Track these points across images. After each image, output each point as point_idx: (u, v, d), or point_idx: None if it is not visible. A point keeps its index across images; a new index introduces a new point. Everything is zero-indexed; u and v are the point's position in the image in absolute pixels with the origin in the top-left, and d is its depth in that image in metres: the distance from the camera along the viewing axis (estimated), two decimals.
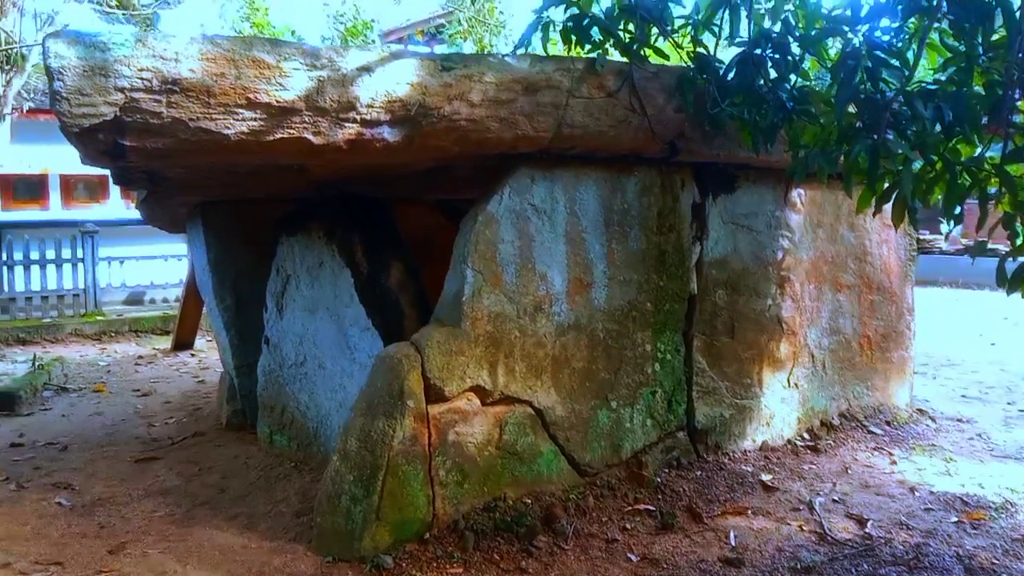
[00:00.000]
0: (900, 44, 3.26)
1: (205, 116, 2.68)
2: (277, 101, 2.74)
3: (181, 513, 3.62)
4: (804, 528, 3.38)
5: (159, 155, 2.80)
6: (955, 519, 3.47)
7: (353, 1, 15.14)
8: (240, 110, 2.72)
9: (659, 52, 3.52)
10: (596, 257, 3.71)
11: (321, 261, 3.84)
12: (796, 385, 4.46)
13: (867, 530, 3.35)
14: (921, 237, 14.94)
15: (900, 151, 3.05)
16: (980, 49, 3.26)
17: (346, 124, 2.89)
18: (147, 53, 2.56)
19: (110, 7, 12.74)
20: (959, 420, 5.12)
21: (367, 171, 3.67)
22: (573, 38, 3.34)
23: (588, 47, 3.44)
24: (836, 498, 3.71)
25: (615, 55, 3.57)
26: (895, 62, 3.16)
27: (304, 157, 2.98)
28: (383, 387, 3.15)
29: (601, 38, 3.39)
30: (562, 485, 3.55)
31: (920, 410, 5.17)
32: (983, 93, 3.27)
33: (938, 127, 3.20)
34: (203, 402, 5.74)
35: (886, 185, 3.36)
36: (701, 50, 3.55)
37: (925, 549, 3.16)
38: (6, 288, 9.03)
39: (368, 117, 2.90)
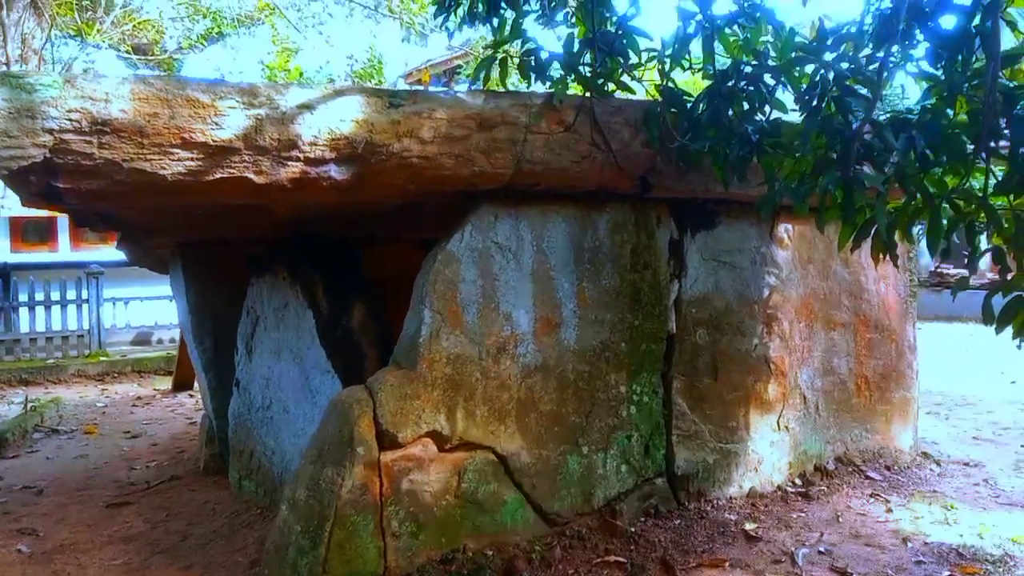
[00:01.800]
0: (872, 73, 3.14)
1: (139, 157, 2.62)
2: (213, 140, 2.68)
3: (139, 562, 3.52)
4: None
5: (97, 197, 2.74)
6: (947, 573, 3.25)
7: (372, 44, 15.36)
8: (175, 150, 2.66)
9: (624, 86, 3.41)
10: (565, 296, 3.58)
11: (286, 302, 3.76)
12: (786, 428, 4.27)
13: None
14: (944, 271, 14.65)
15: (870, 184, 2.90)
16: (962, 77, 3.13)
17: (289, 163, 2.82)
18: (75, 94, 2.51)
19: (127, 54, 13.03)
20: (966, 464, 4.87)
21: (330, 210, 3.60)
22: (532, 74, 3.25)
23: (548, 83, 3.35)
24: (822, 549, 3.51)
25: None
26: (865, 91, 3.03)
27: (248, 197, 2.91)
28: (333, 433, 3.04)
29: (562, 73, 3.30)
30: (528, 535, 3.39)
31: (925, 453, 4.93)
32: (967, 122, 3.13)
33: (913, 158, 3.07)
34: (189, 444, 5.66)
35: (867, 220, 3.24)
36: (669, 84, 3.44)
37: None
38: (11, 329, 9.10)
39: (312, 155, 2.83)
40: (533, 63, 3.22)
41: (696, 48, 3.49)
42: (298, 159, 2.82)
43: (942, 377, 8.02)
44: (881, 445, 4.71)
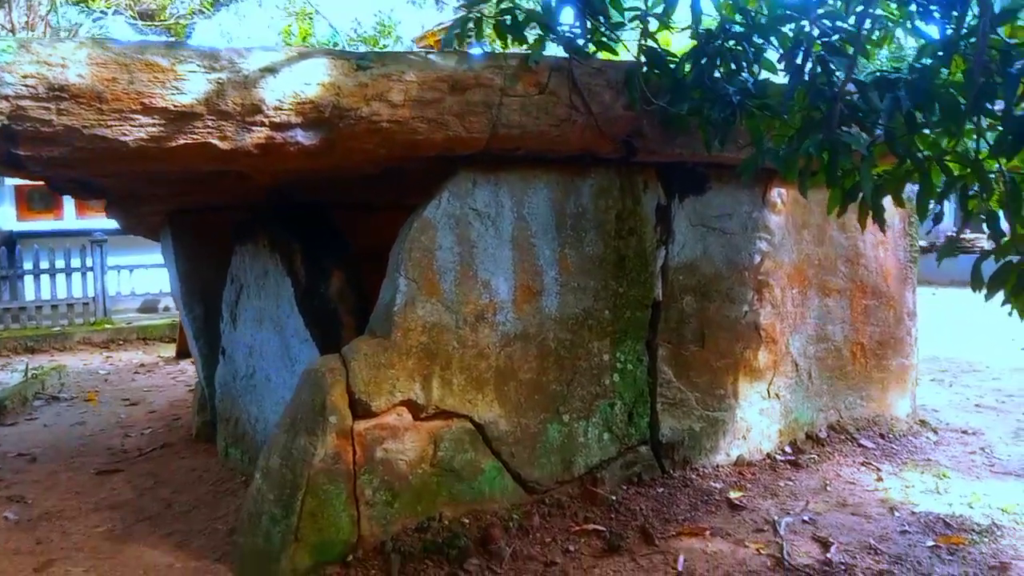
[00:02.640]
0: (856, 29, 3.02)
1: (100, 123, 2.57)
2: (175, 106, 2.62)
3: (121, 529, 3.54)
4: (762, 552, 3.15)
5: (60, 164, 2.70)
6: (931, 543, 3.20)
7: (384, 8, 15.10)
8: (136, 116, 2.60)
9: (606, 47, 3.32)
10: (547, 263, 3.52)
11: (266, 270, 3.73)
12: (777, 395, 4.21)
13: (829, 555, 3.10)
14: (963, 236, 14.38)
15: (854, 147, 2.80)
16: (956, 34, 3.01)
17: (254, 128, 2.76)
18: (31, 59, 2.46)
19: (134, 19, 12.95)
20: (964, 432, 4.80)
21: (310, 177, 3.55)
22: (508, 34, 3.16)
23: (527, 44, 3.26)
24: (806, 518, 3.46)
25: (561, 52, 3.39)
26: (851, 50, 2.92)
27: (214, 163, 2.86)
28: (306, 402, 3.02)
29: (541, 34, 3.21)
30: (506, 504, 3.37)
31: (922, 421, 4.85)
32: (962, 82, 3.02)
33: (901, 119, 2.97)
34: (185, 412, 5.68)
35: (854, 184, 3.15)
36: (652, 44, 3.34)
37: None
38: (17, 297, 9.17)
39: (278, 120, 2.77)
40: (509, 22, 3.12)
41: (684, 8, 3.40)
42: (263, 124, 2.76)
43: (951, 343, 7.91)
44: (876, 413, 4.64)
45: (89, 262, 9.32)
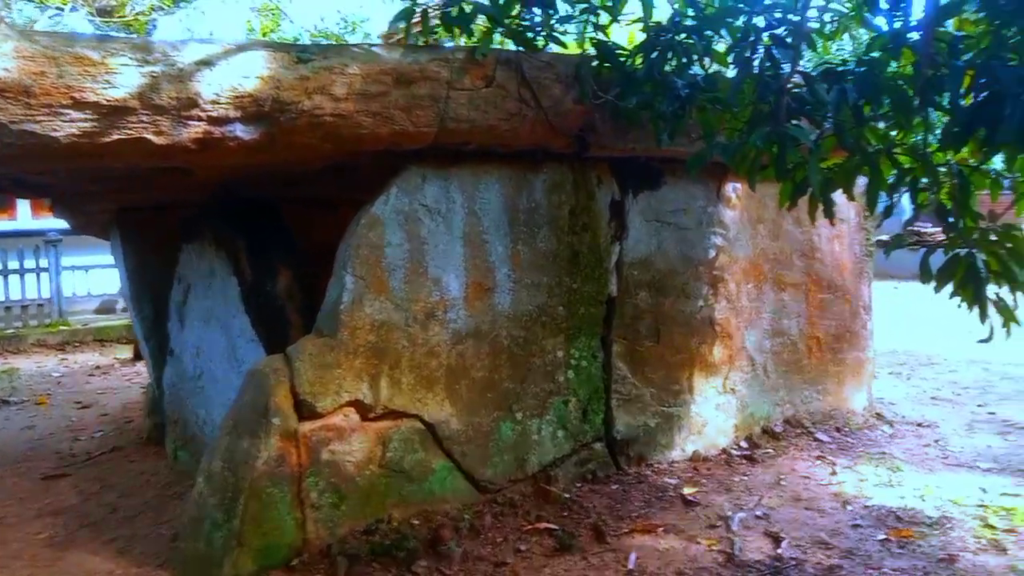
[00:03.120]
0: (808, 23, 3.01)
1: (28, 118, 2.48)
2: (107, 100, 2.54)
3: (63, 535, 3.44)
4: (714, 548, 3.13)
5: None
6: (882, 536, 3.20)
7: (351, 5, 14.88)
8: (67, 111, 2.52)
9: (555, 40, 3.28)
10: (499, 259, 3.48)
11: (212, 269, 3.65)
12: (733, 390, 4.20)
13: (780, 550, 3.09)
14: (922, 229, 14.57)
15: (801, 140, 2.79)
16: (906, 27, 3.01)
17: (191, 123, 2.68)
18: None
19: (93, 16, 12.67)
20: (920, 425, 4.84)
21: (257, 172, 3.48)
22: (455, 27, 3.11)
23: (476, 36, 3.21)
24: (760, 513, 3.46)
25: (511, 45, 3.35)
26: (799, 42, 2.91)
27: (151, 159, 2.78)
28: (249, 404, 2.95)
29: (489, 26, 3.16)
30: (458, 503, 3.32)
31: (878, 414, 4.89)
32: (911, 74, 3.02)
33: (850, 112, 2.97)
34: (138, 414, 5.55)
35: (805, 177, 3.15)
36: (602, 37, 3.31)
37: (838, 573, 2.91)
38: None
39: (215, 114, 2.69)
40: (455, 14, 3.07)
41: (635, 1, 3.37)
42: (200, 118, 2.69)
43: (910, 337, 8.00)
44: (833, 406, 4.66)
45: (44, 263, 9.12)
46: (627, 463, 3.83)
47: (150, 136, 2.66)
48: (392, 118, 2.98)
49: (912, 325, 8.65)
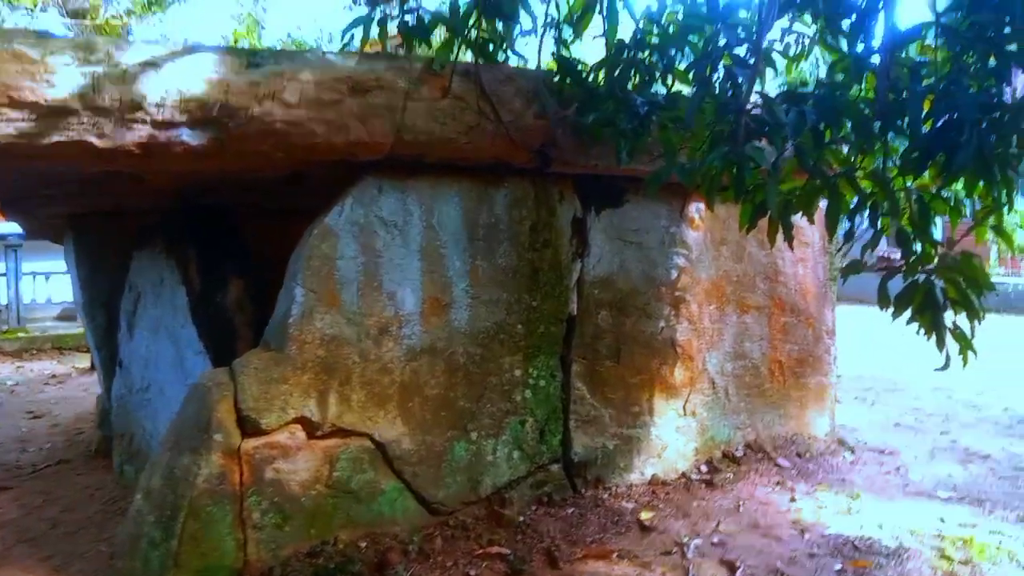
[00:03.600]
0: (771, 44, 2.99)
1: None
2: (46, 100, 2.45)
3: None
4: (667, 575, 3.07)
5: None
6: (839, 567, 3.15)
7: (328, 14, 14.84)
8: (4, 110, 2.43)
9: (517, 54, 3.23)
10: (457, 275, 3.41)
11: (162, 277, 3.55)
12: (693, 413, 4.15)
13: None
14: (891, 255, 14.71)
15: (759, 161, 2.75)
16: (868, 51, 3.00)
17: (134, 126, 2.60)
18: None
19: (65, 17, 12.51)
20: (882, 451, 4.81)
21: (210, 179, 3.39)
22: (413, 37, 3.05)
23: (437, 47, 3.15)
24: (716, 540, 3.39)
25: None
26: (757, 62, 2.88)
27: (94, 162, 2.69)
28: (191, 418, 2.85)
29: (449, 37, 3.10)
30: (408, 526, 3.23)
31: (840, 440, 4.85)
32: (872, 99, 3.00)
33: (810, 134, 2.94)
34: (91, 425, 5.41)
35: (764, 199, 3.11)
36: (564, 52, 3.27)
37: None
38: None
39: (160, 118, 2.61)
40: (414, 24, 3.02)
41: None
42: (144, 122, 2.60)
43: (875, 362, 8.02)
44: (795, 431, 4.62)
45: (2, 267, 8.90)
46: (584, 486, 3.76)
47: (92, 139, 2.57)
48: (347, 127, 2.92)
49: (878, 350, 8.67)
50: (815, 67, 5.44)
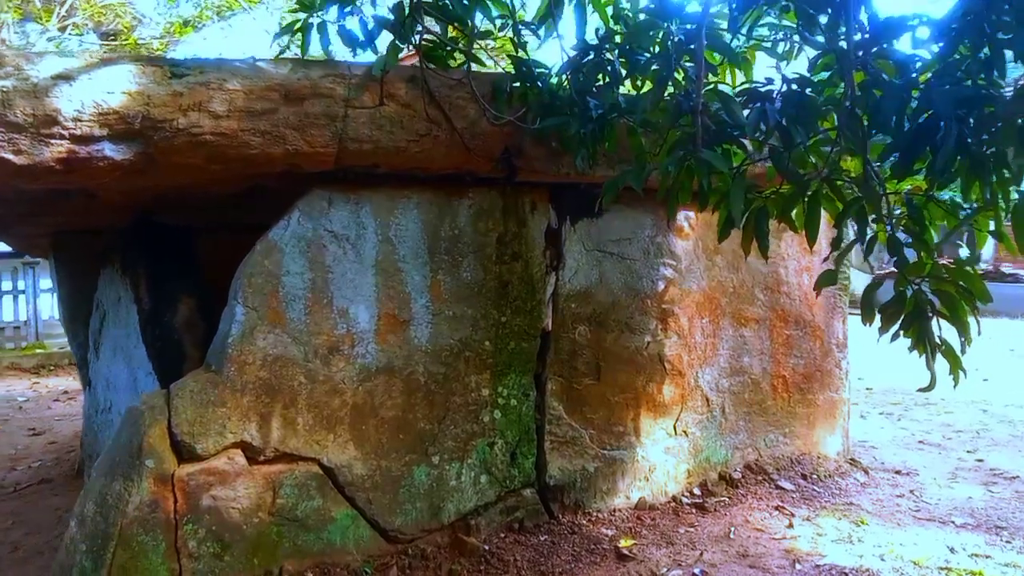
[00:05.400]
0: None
1: None
2: None
3: None
4: None
5: None
6: None
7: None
8: None
9: (473, 58, 3.05)
10: (416, 290, 3.24)
11: (119, 296, 3.46)
12: (685, 433, 3.91)
13: None
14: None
15: (716, 164, 2.52)
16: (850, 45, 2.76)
17: (52, 141, 2.49)
18: None
19: (104, 40, 12.73)
20: (898, 472, 4.50)
21: (168, 195, 3.29)
22: (354, 43, 2.90)
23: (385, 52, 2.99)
24: (697, 571, 3.16)
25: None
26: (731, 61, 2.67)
27: (15, 179, 2.58)
28: (124, 444, 2.73)
29: (394, 41, 2.94)
30: (363, 555, 3.06)
31: (853, 460, 4.55)
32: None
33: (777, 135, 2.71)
34: None
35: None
36: (522, 54, 3.09)
37: None
38: None
39: (79, 133, 2.50)
40: (354, 29, 2.87)
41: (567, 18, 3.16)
42: (62, 137, 2.49)
43: (908, 375, 7.60)
44: (801, 451, 4.34)
45: (21, 285, 9.03)
46: (562, 511, 3.55)
47: (8, 156, 2.47)
48: (284, 137, 2.77)
49: (912, 362, 8.24)
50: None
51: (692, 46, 2.56)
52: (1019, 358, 8.60)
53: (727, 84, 3.10)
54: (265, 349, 2.90)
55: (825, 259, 3.94)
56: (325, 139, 2.83)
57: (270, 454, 2.89)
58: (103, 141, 2.55)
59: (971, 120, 2.47)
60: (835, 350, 4.51)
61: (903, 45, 2.92)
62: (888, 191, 3.06)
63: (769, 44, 3.55)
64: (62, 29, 11.76)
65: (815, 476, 4.24)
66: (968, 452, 4.96)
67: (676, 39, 2.62)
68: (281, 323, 2.94)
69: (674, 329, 3.85)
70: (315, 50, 3.08)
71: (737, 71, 3.39)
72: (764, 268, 4.23)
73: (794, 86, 2.66)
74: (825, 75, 2.97)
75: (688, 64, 2.72)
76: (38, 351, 8.77)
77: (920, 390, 2.64)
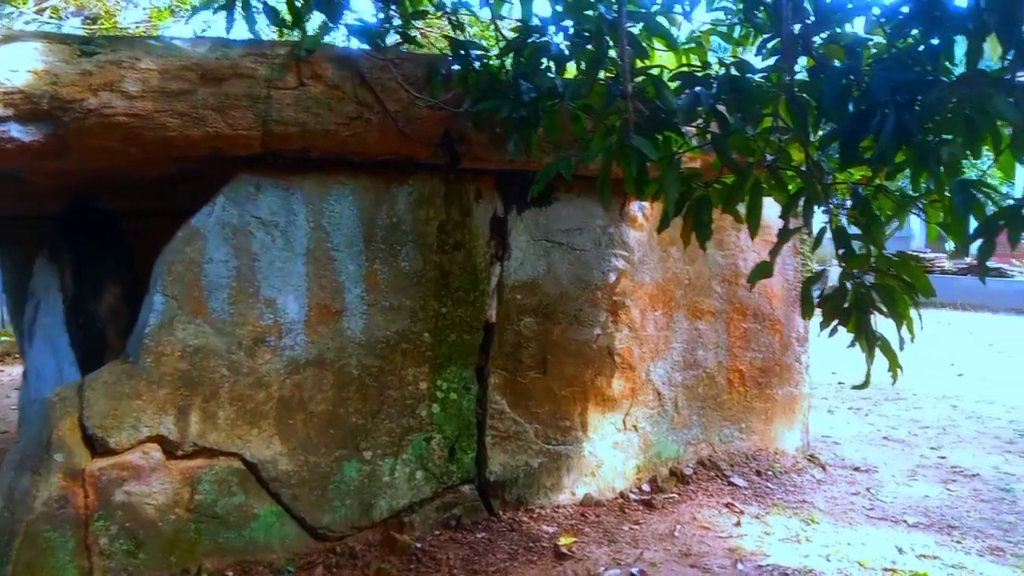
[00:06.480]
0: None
1: None
2: None
3: None
4: None
5: None
6: None
7: None
8: None
9: (409, 39, 2.94)
10: (350, 280, 3.14)
11: (48, 284, 3.34)
12: (635, 427, 3.82)
13: None
14: (921, 255, 14.10)
15: (647, 152, 2.42)
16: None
17: None
18: None
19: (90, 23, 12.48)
20: (856, 469, 4.42)
21: (102, 179, 3.18)
22: (281, 22, 2.79)
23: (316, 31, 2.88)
24: (635, 571, 3.07)
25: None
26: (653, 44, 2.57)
27: None
28: (34, 437, 2.64)
29: (325, 20, 2.83)
30: (288, 553, 2.97)
31: (812, 456, 4.47)
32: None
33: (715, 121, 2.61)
34: None
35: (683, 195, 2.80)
36: (460, 36, 2.98)
37: None
38: None
39: None
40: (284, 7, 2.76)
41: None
42: None
43: (882, 369, 7.53)
44: (758, 447, 4.26)
45: None
46: (503, 508, 3.46)
47: None
48: (203, 119, 2.67)
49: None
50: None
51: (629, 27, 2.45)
52: (997, 353, 8.53)
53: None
54: (185, 340, 2.79)
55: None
56: (248, 121, 2.72)
57: (188, 448, 2.79)
58: (9, 122, 2.45)
59: (916, 107, 2.36)
60: (795, 344, 4.43)
61: (859, 29, 2.85)
62: (838, 181, 2.98)
63: (725, 29, 3.45)
64: (39, 12, 11.53)
65: (770, 472, 4.15)
66: (932, 449, 4.88)
67: (609, 18, 2.51)
68: (203, 313, 2.84)
69: (625, 322, 3.75)
70: (242, 31, 2.96)
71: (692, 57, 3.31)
72: (722, 260, 4.14)
73: (733, 70, 2.56)
74: (773, 60, 2.87)
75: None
76: (4, 338, 8.64)
77: (855, 387, 2.54)
